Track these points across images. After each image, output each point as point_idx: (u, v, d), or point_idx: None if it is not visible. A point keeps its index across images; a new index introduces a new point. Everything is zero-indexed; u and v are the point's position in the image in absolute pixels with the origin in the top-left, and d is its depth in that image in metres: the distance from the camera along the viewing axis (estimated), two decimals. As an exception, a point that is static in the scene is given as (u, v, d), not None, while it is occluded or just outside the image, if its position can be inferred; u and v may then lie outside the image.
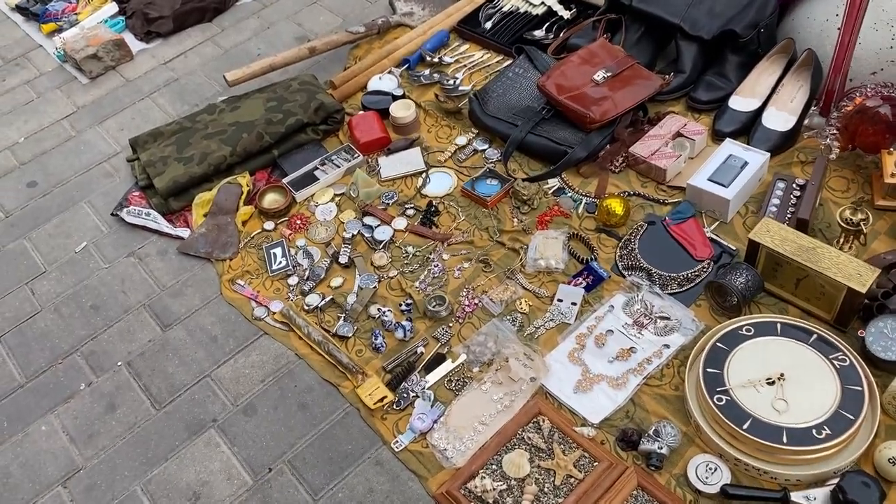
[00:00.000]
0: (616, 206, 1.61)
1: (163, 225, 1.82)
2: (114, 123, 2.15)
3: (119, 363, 1.59)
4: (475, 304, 1.55)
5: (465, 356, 1.47)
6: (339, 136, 1.96)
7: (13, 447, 1.48)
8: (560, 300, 1.52)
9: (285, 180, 1.83)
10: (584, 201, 1.70)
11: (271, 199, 1.81)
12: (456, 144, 1.87)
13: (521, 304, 1.54)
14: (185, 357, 1.57)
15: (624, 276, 1.55)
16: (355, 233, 1.71)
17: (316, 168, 1.86)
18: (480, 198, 1.72)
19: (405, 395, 1.43)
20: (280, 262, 1.68)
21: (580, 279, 1.55)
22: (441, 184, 1.80)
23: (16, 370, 1.60)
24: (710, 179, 1.60)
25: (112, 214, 1.87)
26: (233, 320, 1.62)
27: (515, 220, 1.69)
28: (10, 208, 1.96)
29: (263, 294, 1.65)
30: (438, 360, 1.47)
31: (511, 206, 1.72)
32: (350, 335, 1.54)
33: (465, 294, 1.57)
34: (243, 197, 1.81)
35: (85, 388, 1.56)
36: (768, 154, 1.63)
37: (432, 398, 1.42)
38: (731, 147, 1.65)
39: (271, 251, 1.70)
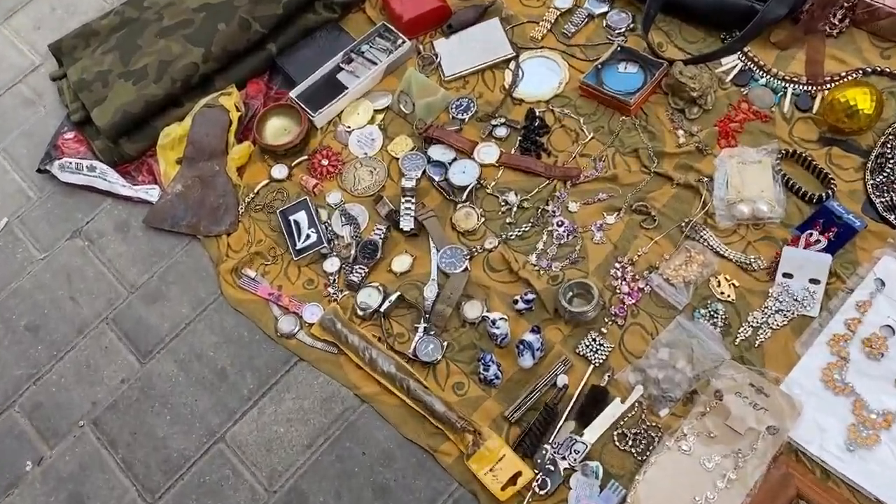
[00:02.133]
0: (861, 99, 0.96)
1: (116, 182, 1.18)
2: (26, 19, 1.45)
3: (81, 422, 1.02)
4: (639, 289, 0.94)
5: (640, 389, 0.88)
6: (367, 11, 1.26)
7: (-65, 582, 0.95)
8: (788, 275, 0.91)
9: (293, 94, 1.17)
10: (789, 91, 1.03)
11: (277, 129, 1.16)
12: (556, 9, 1.17)
13: (718, 284, 0.93)
14: (179, 407, 1.00)
15: (891, 225, 0.92)
16: (419, 176, 1.07)
17: (339, 69, 1.18)
18: (614, 98, 1.06)
19: (550, 468, 0.86)
20: (308, 237, 1.06)
21: (813, 233, 0.92)
22: (544, 78, 1.13)
23: (-75, 444, 1.04)
24: None
25: (39, 171, 1.22)
26: (246, 340, 1.03)
27: (680, 132, 1.04)
28: None
29: (289, 291, 1.04)
30: (596, 397, 0.89)
31: (668, 108, 1.06)
32: (438, 358, 0.95)
33: (617, 272, 0.96)
34: (233, 128, 1.15)
35: (33, 467, 1.00)
36: None
37: (599, 472, 0.84)
38: None
39: (291, 218, 1.07)
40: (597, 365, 0.91)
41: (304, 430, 0.95)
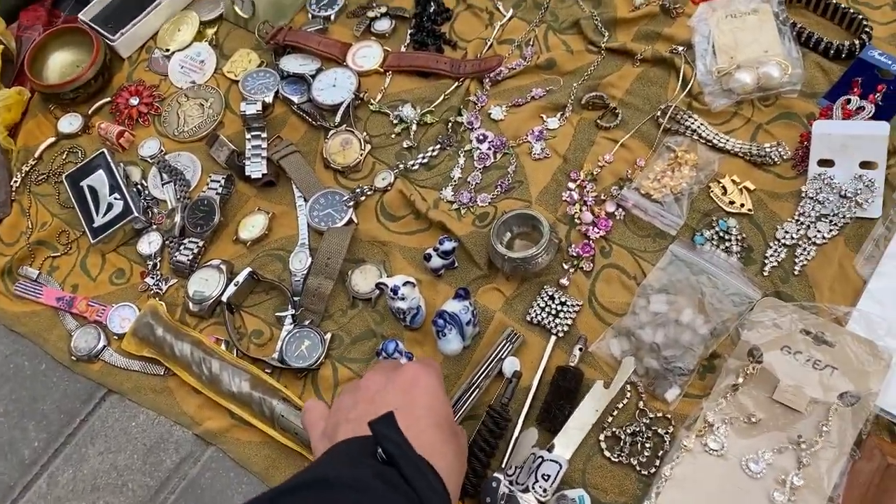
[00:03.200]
0: None
1: None
2: None
3: None
4: (608, 214, 0.62)
5: (630, 363, 0.56)
6: None
7: None
8: (826, 162, 0.60)
9: (84, 15, 0.81)
10: (777, -84, 0.73)
11: (65, 65, 0.81)
12: None
13: (724, 191, 0.62)
14: (-73, 494, 0.64)
15: (962, 69, 0.63)
16: (269, 99, 0.72)
17: (148, -26, 0.83)
18: (534, -40, 0.74)
19: (510, 509, 0.53)
20: (110, 207, 0.71)
21: (850, 98, 0.62)
22: (432, -50, 0.80)
23: None
24: None
25: None
26: (28, 373, 0.67)
27: (633, -9, 0.73)
28: None
29: (89, 291, 0.69)
30: (565, 385, 0.56)
31: (611, -38, 0.75)
32: (319, 358, 0.61)
33: (573, 194, 0.64)
34: (-4, 70, 0.80)
35: None
36: None
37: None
38: None
39: (84, 184, 0.72)
40: (560, 335, 0.58)
41: (121, 503, 0.60)
